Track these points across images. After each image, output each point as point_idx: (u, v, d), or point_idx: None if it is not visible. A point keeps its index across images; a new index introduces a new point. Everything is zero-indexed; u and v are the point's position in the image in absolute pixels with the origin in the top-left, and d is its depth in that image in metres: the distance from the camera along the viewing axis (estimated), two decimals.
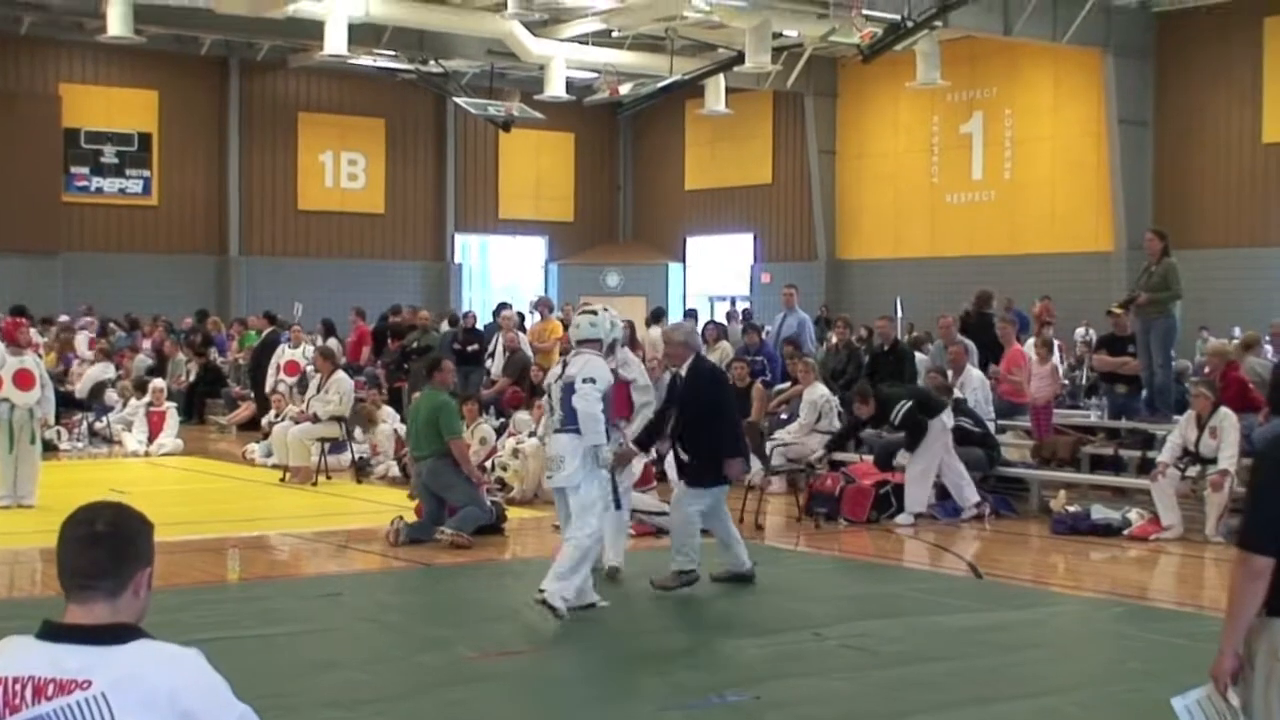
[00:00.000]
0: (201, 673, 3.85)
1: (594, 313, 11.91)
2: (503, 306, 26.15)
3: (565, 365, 11.64)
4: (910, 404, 16.54)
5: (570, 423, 11.24)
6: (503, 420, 20.53)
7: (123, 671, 3.73)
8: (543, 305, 26.58)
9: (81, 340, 30.48)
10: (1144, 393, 18.23)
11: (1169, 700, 5.38)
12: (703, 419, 12.20)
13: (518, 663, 9.87)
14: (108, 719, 3.70)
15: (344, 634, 10.86)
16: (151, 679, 3.74)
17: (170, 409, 24.20)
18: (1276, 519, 5.05)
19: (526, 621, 11.09)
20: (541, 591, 10.74)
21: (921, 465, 16.42)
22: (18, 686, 3.69)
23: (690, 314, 30.12)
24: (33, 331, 25.32)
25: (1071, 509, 16.04)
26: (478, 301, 41.65)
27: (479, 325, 27.24)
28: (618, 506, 11.69)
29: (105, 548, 3.82)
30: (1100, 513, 15.79)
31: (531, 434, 18.10)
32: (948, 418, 16.76)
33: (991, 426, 18.40)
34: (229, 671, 9.25)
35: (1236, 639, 5.17)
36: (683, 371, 12.40)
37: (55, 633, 3.81)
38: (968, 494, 16.67)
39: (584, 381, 11.18)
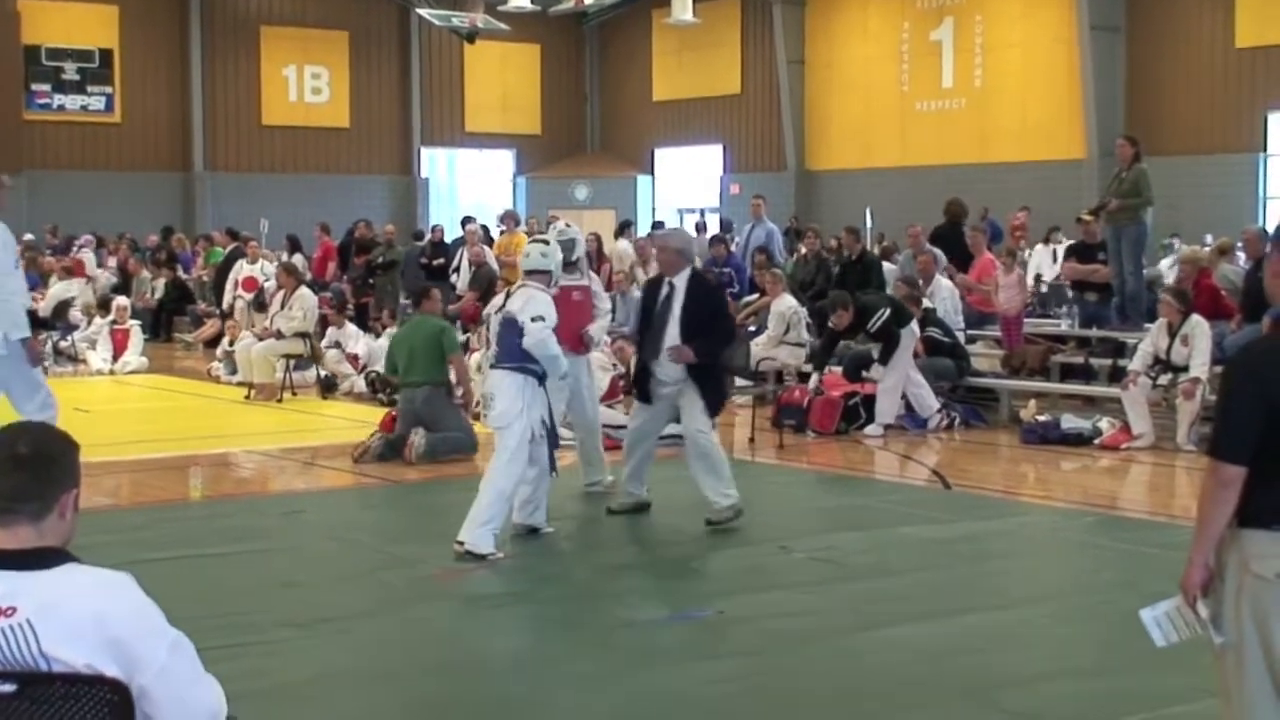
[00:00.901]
0: (131, 598, 3.70)
1: (546, 242, 11.21)
2: (467, 220, 25.95)
3: (508, 296, 10.93)
4: (888, 313, 16.35)
5: (505, 359, 10.56)
6: (467, 336, 20.33)
7: (48, 597, 3.59)
8: (509, 219, 26.35)
9: (90, 260, 30.23)
10: (1115, 300, 18.11)
11: (1139, 612, 5.27)
12: (711, 338, 11.32)
13: (481, 580, 9.72)
14: (33, 646, 3.57)
15: (306, 552, 10.71)
16: (78, 605, 3.60)
17: (134, 327, 23.96)
18: (1247, 427, 4.91)
19: None
20: (461, 543, 10.18)
21: (895, 376, 16.26)
22: None
23: (657, 226, 29.85)
24: None
25: (1041, 418, 15.92)
26: (446, 216, 41.34)
27: (446, 239, 27.00)
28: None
29: (29, 470, 3.68)
30: (1070, 422, 15.67)
31: None
32: (915, 326, 16.62)
33: (961, 337, 18.28)
34: (188, 591, 9.13)
35: (1206, 550, 5.03)
36: (677, 282, 11.39)
37: None
38: (929, 401, 16.54)
39: (533, 320, 10.42)
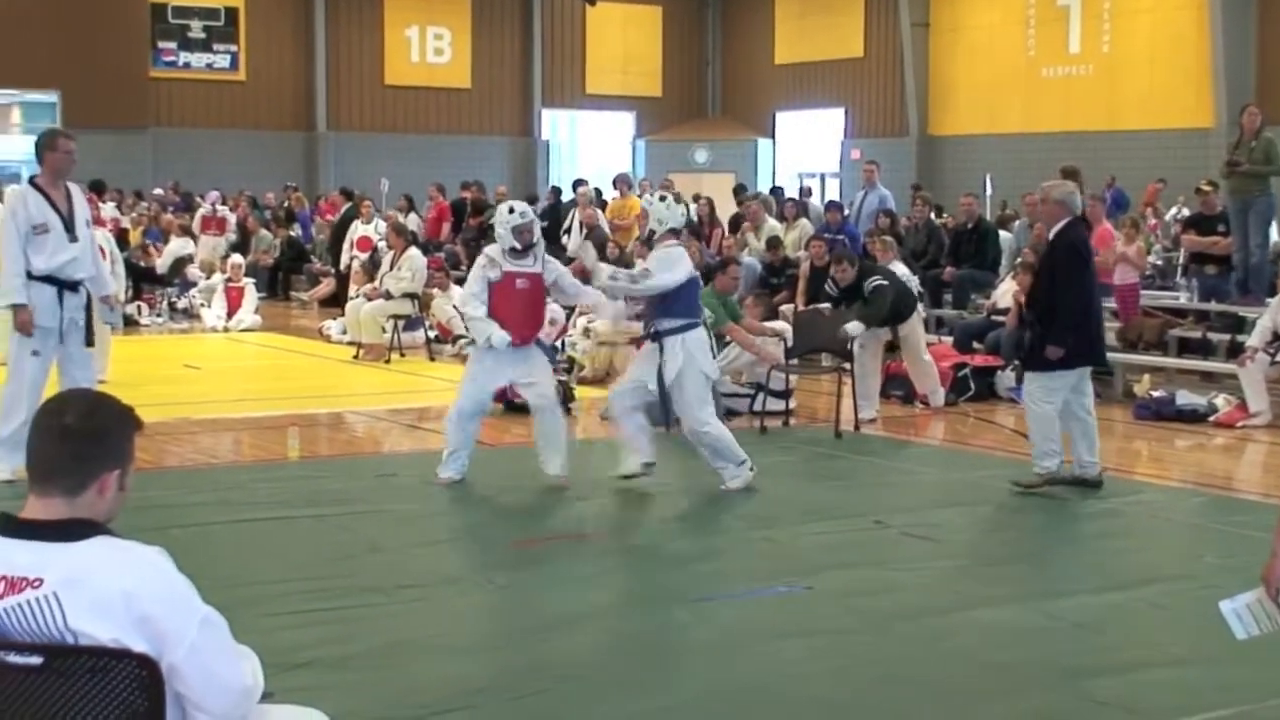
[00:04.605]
0: (161, 574, 3.58)
1: (664, 199, 11.93)
2: (579, 183, 25.83)
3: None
4: (885, 283, 15.21)
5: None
6: None
7: (74, 570, 3.49)
8: (622, 182, 26.15)
9: (230, 218, 30.39)
10: (1235, 274, 17.64)
11: (1219, 603, 5.05)
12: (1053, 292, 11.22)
13: (565, 549, 9.61)
14: (59, 620, 3.48)
15: (396, 516, 10.59)
16: (104, 579, 3.49)
17: (249, 285, 24.12)
18: None
19: (578, 506, 10.87)
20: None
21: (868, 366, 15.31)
22: None
23: (775, 191, 29.53)
24: (110, 205, 25.41)
25: (1156, 394, 15.56)
26: (566, 177, 41.29)
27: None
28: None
29: (70, 443, 3.58)
30: (1185, 398, 15.29)
31: None
32: (918, 317, 16.01)
33: None
34: (274, 553, 9.10)
35: None
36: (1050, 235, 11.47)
37: (9, 527, 3.58)
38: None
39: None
